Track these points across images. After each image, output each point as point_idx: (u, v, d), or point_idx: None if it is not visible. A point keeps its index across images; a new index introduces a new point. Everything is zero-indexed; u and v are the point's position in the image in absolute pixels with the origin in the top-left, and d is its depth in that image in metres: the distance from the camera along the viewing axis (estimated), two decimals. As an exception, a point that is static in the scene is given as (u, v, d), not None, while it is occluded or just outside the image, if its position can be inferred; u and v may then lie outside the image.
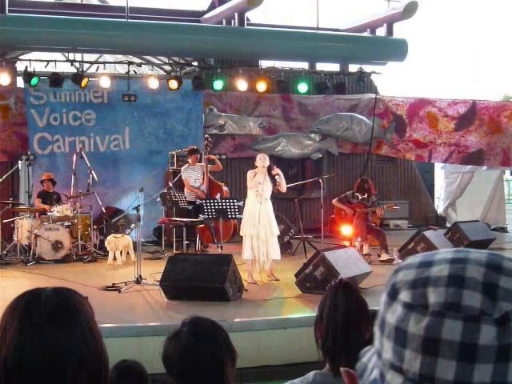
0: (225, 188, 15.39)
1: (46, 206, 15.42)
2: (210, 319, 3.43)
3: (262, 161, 12.39)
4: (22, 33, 15.46)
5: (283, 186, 12.64)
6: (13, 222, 15.26)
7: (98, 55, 18.70)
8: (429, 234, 14.86)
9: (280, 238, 16.03)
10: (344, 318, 3.49)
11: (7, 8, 14.99)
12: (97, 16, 16.95)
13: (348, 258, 11.89)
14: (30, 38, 15.66)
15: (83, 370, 1.81)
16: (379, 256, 14.64)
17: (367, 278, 11.53)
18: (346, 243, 14.66)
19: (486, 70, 21.97)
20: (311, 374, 3.51)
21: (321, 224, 14.87)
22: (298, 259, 13.40)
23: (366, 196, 15.48)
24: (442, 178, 22.26)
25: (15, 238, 15.02)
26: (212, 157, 15.33)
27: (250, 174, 12.51)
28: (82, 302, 1.89)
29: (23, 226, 14.96)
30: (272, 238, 12.50)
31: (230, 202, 12.57)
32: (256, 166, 12.46)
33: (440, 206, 22.27)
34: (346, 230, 15.27)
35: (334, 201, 15.52)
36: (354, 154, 20.74)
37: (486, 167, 20.67)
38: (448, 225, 19.61)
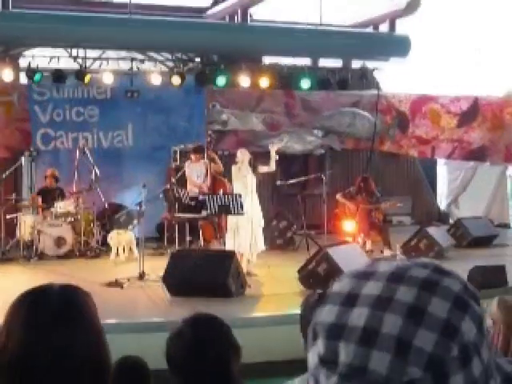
0: (228, 184, 15.38)
1: (44, 204, 15.37)
2: (212, 315, 3.41)
3: (243, 155, 12.91)
4: (25, 29, 15.49)
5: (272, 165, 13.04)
6: (15, 217, 15.26)
7: (101, 51, 18.69)
8: (431, 230, 14.87)
9: (282, 233, 16.11)
10: None
11: (10, 4, 15.01)
12: (100, 12, 16.96)
13: (351, 254, 11.90)
14: (33, 34, 15.69)
15: (86, 367, 1.81)
16: (382, 252, 14.64)
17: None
18: (349, 239, 14.67)
19: (487, 67, 21.88)
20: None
21: (323, 220, 14.87)
22: (301, 255, 13.39)
23: (369, 193, 15.49)
24: (445, 174, 22.24)
25: (18, 234, 15.02)
26: (214, 157, 15.34)
27: (234, 168, 12.97)
28: (85, 300, 1.89)
29: (26, 222, 14.96)
30: (259, 229, 12.66)
31: (232, 198, 12.57)
32: (237, 162, 12.94)
33: (443, 202, 22.25)
34: (349, 225, 15.27)
35: (338, 195, 15.53)
36: (357, 150, 20.71)
37: (488, 163, 20.65)
38: (451, 221, 19.61)
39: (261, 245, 12.75)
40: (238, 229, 12.47)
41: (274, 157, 13.13)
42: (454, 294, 1.09)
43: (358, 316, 1.08)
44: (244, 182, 12.68)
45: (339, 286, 1.15)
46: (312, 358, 1.13)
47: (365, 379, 1.04)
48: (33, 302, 1.85)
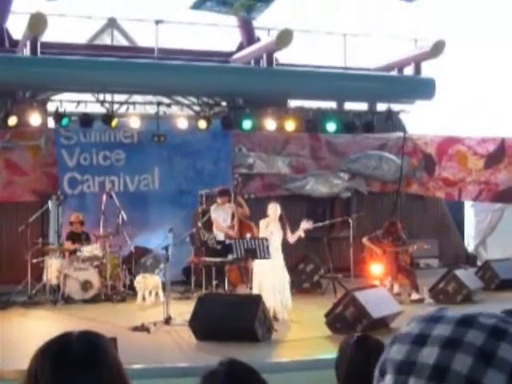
0: (255, 228, 15.34)
1: (76, 245, 15.44)
2: (248, 365, 3.34)
3: (274, 210, 12.67)
4: (53, 74, 15.67)
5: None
6: (42, 261, 15.30)
7: (128, 96, 18.85)
8: (459, 273, 14.74)
9: (309, 277, 16.04)
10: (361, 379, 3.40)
11: (39, 50, 15.21)
12: (126, 57, 17.15)
13: (378, 297, 11.80)
14: (61, 79, 15.87)
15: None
16: (410, 295, 14.52)
17: (398, 317, 11.43)
18: (377, 282, 14.57)
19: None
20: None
21: (350, 263, 14.79)
22: (328, 299, 13.33)
23: (396, 236, 15.41)
24: (472, 215, 22.12)
25: (45, 278, 15.05)
26: (240, 201, 15.29)
27: (262, 223, 12.79)
28: (108, 346, 1.89)
29: (52, 266, 15.00)
30: (287, 286, 12.56)
31: (259, 242, 12.52)
32: (268, 215, 12.70)
33: (470, 244, 22.09)
34: (376, 269, 15.17)
35: (365, 239, 15.46)
36: (384, 192, 20.66)
37: (516, 205, 20.53)
38: (479, 263, 19.46)
39: (289, 302, 12.62)
40: (262, 282, 12.36)
41: (300, 233, 13.01)
42: None
43: (429, 354, 1.13)
44: (270, 238, 12.54)
45: (408, 328, 1.22)
46: None
47: None
48: (55, 352, 1.85)
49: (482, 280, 15.71)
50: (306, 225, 12.99)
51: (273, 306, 12.06)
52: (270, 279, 12.33)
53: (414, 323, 1.21)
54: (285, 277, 12.65)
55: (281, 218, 12.74)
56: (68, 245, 15.62)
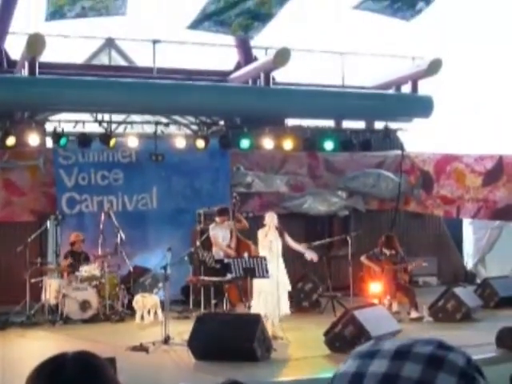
0: (253, 246, 15.33)
1: (69, 261, 15.45)
2: None
3: (271, 219, 12.83)
4: (51, 94, 15.70)
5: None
6: (41, 281, 15.28)
7: (126, 115, 18.88)
8: (458, 290, 14.72)
9: (308, 296, 16.01)
10: None
11: (37, 70, 15.24)
12: (124, 77, 17.17)
13: (377, 316, 11.80)
14: (59, 100, 15.90)
15: None
16: (409, 314, 14.49)
17: (397, 336, 11.40)
18: (375, 301, 14.55)
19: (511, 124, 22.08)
20: None
21: (349, 282, 14.77)
22: (327, 317, 13.30)
23: (393, 253, 15.40)
24: (471, 233, 22.10)
25: (43, 298, 15.03)
26: (239, 216, 15.32)
27: (261, 233, 12.93)
28: (104, 366, 1.89)
29: (51, 286, 14.98)
30: (284, 293, 12.61)
31: (258, 261, 12.51)
32: (265, 225, 12.86)
33: (469, 262, 22.07)
34: (375, 287, 15.16)
35: (363, 258, 15.45)
36: (382, 210, 20.66)
37: (514, 223, 20.50)
38: (478, 281, 19.43)
39: (285, 308, 12.65)
40: (261, 292, 12.42)
41: (302, 250, 13.27)
42: (459, 368, 1.11)
43: None
44: (270, 246, 12.63)
45: (344, 367, 1.17)
46: None
47: None
48: (49, 373, 1.84)
49: (481, 298, 15.69)
50: (311, 254, 13.26)
51: (264, 312, 12.08)
52: (267, 286, 12.35)
53: (350, 360, 1.17)
54: (285, 283, 12.73)
55: (277, 227, 12.85)
56: (64, 262, 15.62)
